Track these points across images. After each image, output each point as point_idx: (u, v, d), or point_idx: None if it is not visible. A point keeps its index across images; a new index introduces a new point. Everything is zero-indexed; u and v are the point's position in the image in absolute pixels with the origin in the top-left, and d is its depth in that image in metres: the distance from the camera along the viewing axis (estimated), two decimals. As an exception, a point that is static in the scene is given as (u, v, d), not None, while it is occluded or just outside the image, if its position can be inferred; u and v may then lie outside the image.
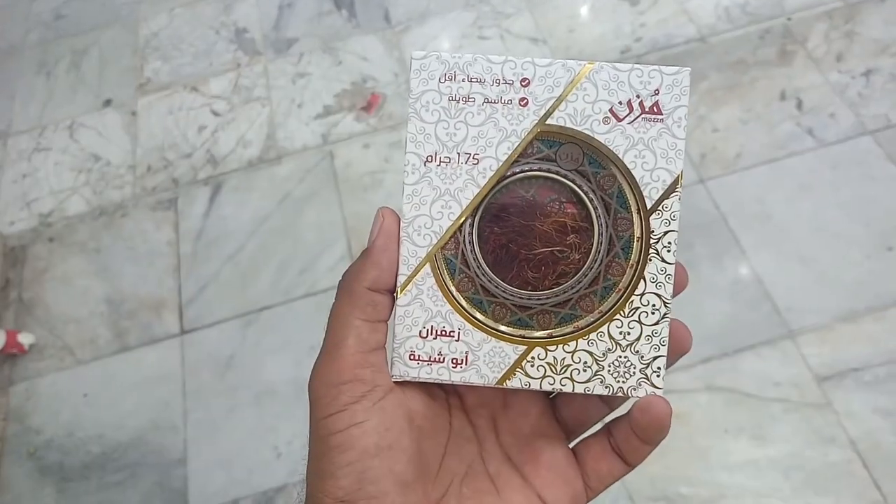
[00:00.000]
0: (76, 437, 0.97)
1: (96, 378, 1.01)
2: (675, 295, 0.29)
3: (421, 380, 0.29)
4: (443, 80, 0.29)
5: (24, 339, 1.04)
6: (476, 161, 0.29)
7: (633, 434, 0.29)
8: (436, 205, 0.29)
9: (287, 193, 1.14)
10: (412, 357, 0.29)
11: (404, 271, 0.29)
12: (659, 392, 0.28)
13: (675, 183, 0.28)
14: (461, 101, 0.29)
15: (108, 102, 1.34)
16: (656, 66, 0.29)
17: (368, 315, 0.28)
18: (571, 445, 0.31)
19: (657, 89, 0.29)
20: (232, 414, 0.96)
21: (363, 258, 0.29)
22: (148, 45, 1.41)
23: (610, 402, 0.31)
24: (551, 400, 0.32)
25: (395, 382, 0.29)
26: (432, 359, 0.29)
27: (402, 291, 0.29)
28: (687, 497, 0.84)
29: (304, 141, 1.21)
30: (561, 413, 0.32)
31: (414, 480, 0.27)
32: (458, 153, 0.29)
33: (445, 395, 0.31)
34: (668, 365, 0.29)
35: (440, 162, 0.29)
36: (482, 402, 0.32)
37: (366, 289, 0.28)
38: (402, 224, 0.29)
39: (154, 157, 1.24)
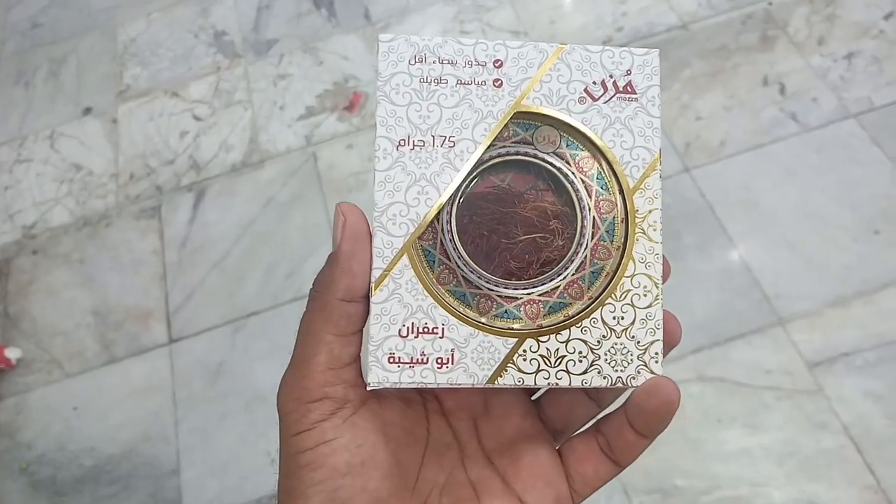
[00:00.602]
0: (68, 451, 0.97)
1: (86, 391, 1.01)
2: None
3: (403, 385, 0.26)
4: (412, 62, 0.28)
5: (11, 353, 1.03)
6: (452, 143, 0.27)
7: (628, 427, 0.27)
8: (411, 191, 0.27)
9: (271, 197, 1.13)
10: (392, 360, 0.26)
11: (379, 265, 0.27)
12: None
13: (655, 161, 0.28)
14: (433, 82, 0.28)
15: (88, 111, 1.32)
16: (626, 48, 0.29)
17: (342, 328, 0.26)
18: (558, 447, 0.30)
19: (629, 69, 0.28)
20: (223, 422, 0.95)
21: (332, 266, 0.27)
22: (126, 52, 1.39)
23: (599, 399, 0.30)
24: (535, 401, 0.31)
25: (370, 391, 0.27)
26: (414, 360, 0.26)
27: (376, 288, 0.27)
28: (682, 489, 0.84)
29: (287, 143, 1.20)
30: (546, 413, 0.31)
31: (389, 497, 0.26)
32: (433, 136, 0.27)
33: (423, 400, 0.30)
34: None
35: (414, 146, 0.27)
36: (462, 406, 0.30)
37: (339, 300, 0.26)
38: (374, 213, 0.27)
39: (136, 164, 1.23)
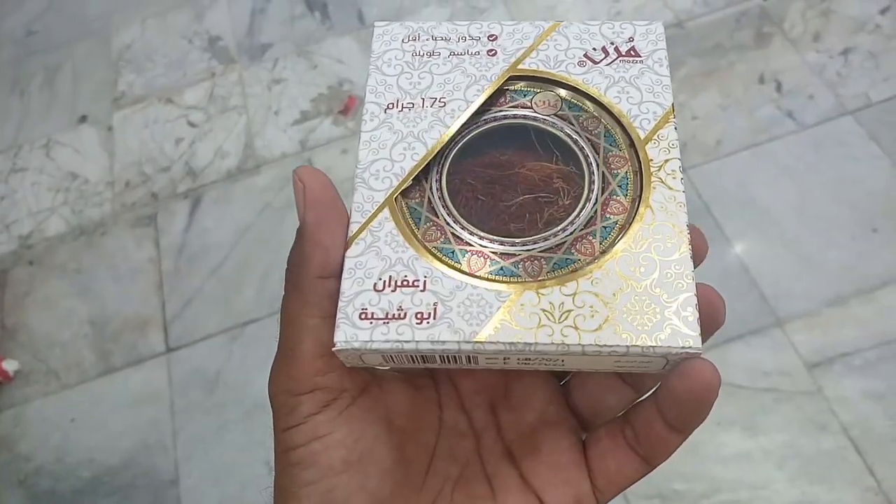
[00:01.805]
0: (66, 463, 0.97)
1: (83, 401, 1.01)
2: (696, 264, 0.23)
3: (374, 345, 0.22)
4: (406, 41, 0.28)
5: (9, 365, 1.03)
6: (443, 104, 0.26)
7: (658, 418, 0.23)
8: (397, 147, 0.25)
9: (267, 203, 1.13)
10: (363, 316, 0.22)
11: (357, 219, 0.24)
12: (695, 340, 0.21)
13: (668, 114, 0.25)
14: (425, 55, 0.27)
15: (83, 118, 1.32)
16: (627, 21, 0.28)
17: (324, 310, 0.23)
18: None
19: (631, 37, 0.27)
20: (222, 431, 0.95)
21: (300, 241, 0.24)
22: (121, 58, 1.39)
23: (636, 383, 0.26)
24: (564, 385, 0.28)
25: (372, 376, 0.24)
26: (390, 315, 0.22)
27: (352, 242, 0.24)
28: (682, 493, 0.83)
29: (282, 148, 1.19)
30: (574, 399, 0.27)
31: (392, 495, 0.24)
32: (423, 98, 0.26)
33: (435, 384, 0.27)
34: (702, 341, 0.22)
35: (402, 108, 0.26)
36: (479, 389, 0.27)
37: (314, 278, 0.23)
38: (357, 171, 0.25)
39: (132, 172, 1.23)
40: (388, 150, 0.25)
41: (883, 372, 0.87)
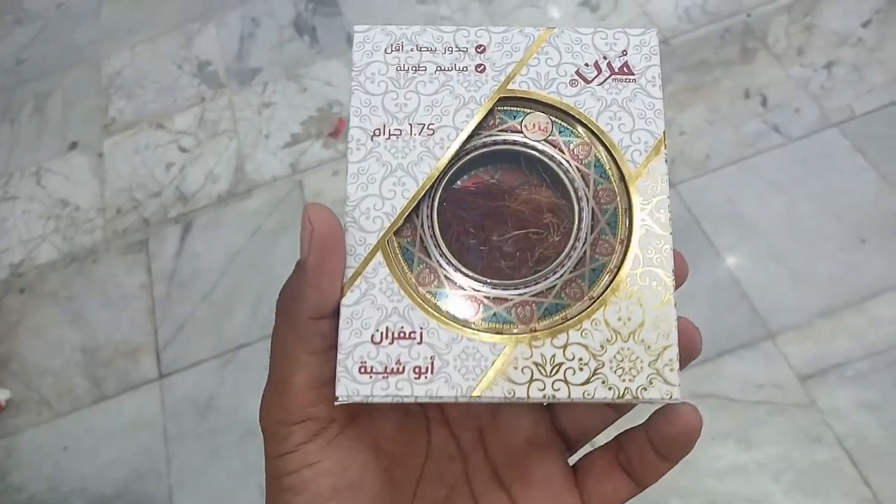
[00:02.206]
0: (59, 492, 0.96)
1: (76, 430, 1.00)
2: (676, 286, 0.24)
3: (375, 399, 0.23)
4: (389, 50, 0.26)
5: (1, 395, 1.02)
6: (432, 131, 0.25)
7: (650, 448, 0.25)
8: (386, 182, 0.25)
9: (258, 227, 1.13)
10: (363, 370, 0.23)
11: (351, 263, 0.24)
12: (676, 391, 0.23)
13: (660, 144, 0.25)
14: (410, 70, 0.26)
15: (73, 145, 1.32)
16: (621, 29, 0.27)
17: (315, 347, 0.24)
18: (573, 461, 0.28)
19: (624, 50, 0.26)
20: (215, 457, 0.95)
21: (299, 278, 0.24)
22: (111, 85, 1.39)
23: (618, 406, 0.27)
24: (549, 406, 0.28)
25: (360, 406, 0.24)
26: (388, 370, 0.23)
27: (347, 289, 0.24)
28: (677, 508, 0.83)
29: (273, 172, 1.20)
30: (560, 421, 0.28)
31: None
32: (411, 124, 0.25)
33: (423, 407, 0.28)
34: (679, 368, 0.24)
35: (389, 135, 0.25)
36: (467, 413, 0.28)
37: (308, 318, 0.24)
38: (346, 208, 0.24)
39: (123, 198, 1.23)
40: (377, 186, 0.25)
41: (876, 382, 0.87)
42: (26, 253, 1.19)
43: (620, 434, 0.27)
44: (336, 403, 0.23)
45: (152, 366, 1.03)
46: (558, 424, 0.28)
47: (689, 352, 0.25)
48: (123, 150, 1.29)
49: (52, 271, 1.16)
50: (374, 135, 0.25)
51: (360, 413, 0.25)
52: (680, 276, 0.25)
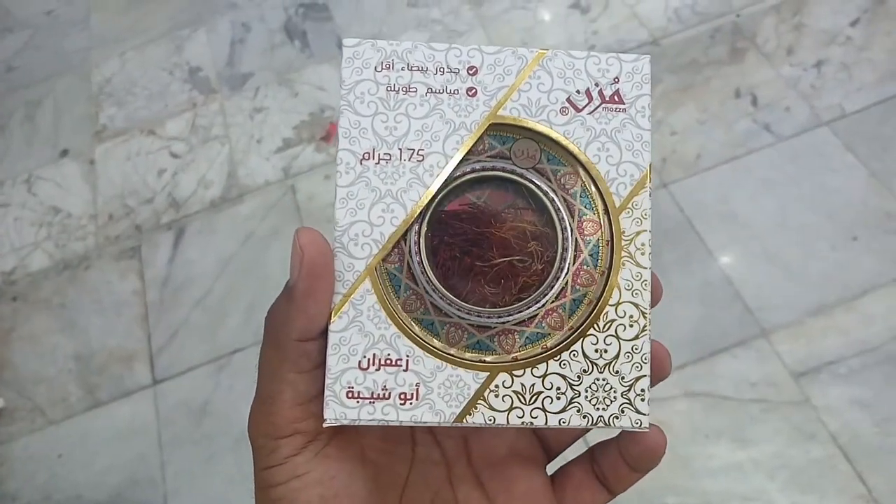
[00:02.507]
0: (53, 500, 0.95)
1: (70, 437, 0.99)
2: (652, 306, 0.26)
3: (361, 423, 0.24)
4: (379, 68, 0.26)
5: (-6, 403, 1.02)
6: (421, 157, 0.25)
7: (622, 462, 0.27)
8: (375, 209, 0.25)
9: (251, 232, 1.13)
10: (350, 395, 0.24)
11: (339, 289, 0.25)
12: (645, 420, 0.25)
13: (645, 178, 0.25)
14: (401, 90, 0.26)
15: (65, 153, 1.32)
16: (614, 54, 0.26)
17: (301, 367, 0.25)
18: (552, 471, 0.29)
19: (616, 77, 0.26)
20: (210, 462, 0.94)
21: (288, 302, 0.25)
22: (101, 92, 1.39)
23: None
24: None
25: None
26: (375, 395, 0.24)
27: (335, 314, 0.24)
28: (673, 507, 0.83)
29: (265, 177, 1.20)
30: (542, 431, 0.30)
31: None
32: (400, 149, 0.25)
33: None
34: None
35: (379, 159, 0.25)
36: None
37: (294, 340, 0.24)
38: (335, 234, 0.25)
39: (115, 204, 1.23)
40: (366, 212, 0.25)
41: (868, 379, 0.87)
42: (18, 260, 1.18)
43: (594, 446, 0.28)
44: (324, 426, 0.24)
45: (146, 372, 1.03)
46: (539, 434, 0.29)
47: (658, 373, 0.26)
48: (115, 156, 1.29)
49: (45, 279, 1.15)
50: (364, 159, 0.25)
51: (346, 426, 0.26)
52: (655, 297, 0.26)
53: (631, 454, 0.26)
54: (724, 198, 1.04)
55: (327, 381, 0.24)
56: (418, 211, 0.25)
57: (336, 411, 0.24)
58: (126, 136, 1.31)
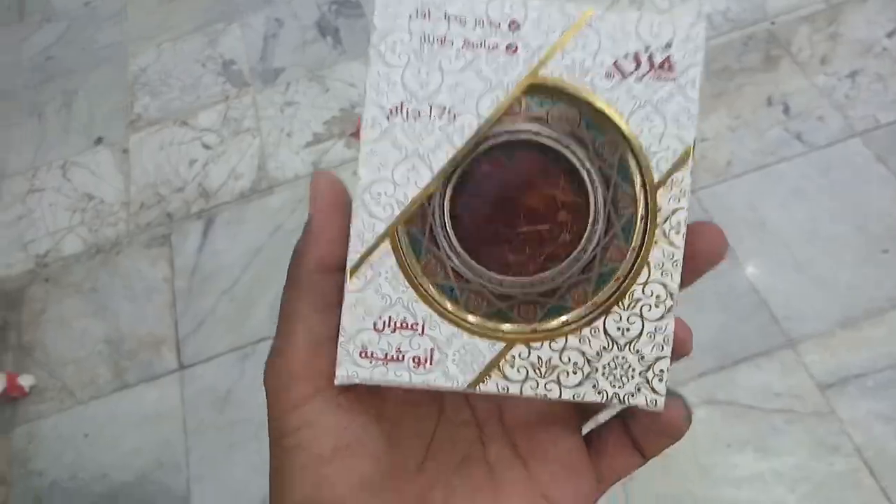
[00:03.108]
0: (79, 479, 0.97)
1: (97, 418, 1.01)
2: (678, 357, 0.25)
3: (374, 382, 0.24)
4: (414, 17, 0.24)
5: (25, 381, 1.04)
6: (453, 117, 0.24)
7: (652, 427, 0.26)
8: (400, 168, 0.24)
9: (280, 224, 1.14)
10: (363, 354, 0.24)
11: (358, 248, 0.24)
12: (661, 401, 0.24)
13: (688, 153, 0.24)
14: (436, 42, 0.24)
15: (99, 141, 1.34)
16: (668, 16, 0.24)
17: (316, 303, 0.24)
18: (585, 431, 0.28)
19: (669, 42, 0.24)
20: (233, 449, 0.96)
21: (305, 235, 0.24)
22: (137, 82, 1.41)
23: None
24: None
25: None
26: (389, 357, 0.24)
27: (353, 274, 0.24)
28: (692, 514, 0.83)
29: (295, 170, 1.21)
30: None
31: (383, 479, 0.24)
32: (431, 106, 0.24)
33: None
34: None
35: (408, 115, 0.24)
36: None
37: (310, 272, 0.24)
38: (357, 191, 0.24)
39: (147, 193, 1.25)
40: (389, 170, 0.24)
41: None
42: (52, 244, 1.21)
43: (624, 409, 0.27)
44: (336, 384, 0.24)
45: (173, 358, 1.04)
46: None
47: (680, 351, 0.25)
48: (148, 145, 1.31)
49: (77, 263, 1.17)
50: (391, 114, 0.24)
51: (359, 384, 0.25)
52: (680, 347, 0.25)
53: (652, 428, 0.26)
54: (753, 205, 1.03)
55: (341, 340, 0.24)
56: (445, 173, 0.24)
57: (348, 370, 0.24)
58: (159, 126, 1.33)
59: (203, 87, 1.37)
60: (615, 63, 0.24)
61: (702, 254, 0.24)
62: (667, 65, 0.24)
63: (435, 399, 0.27)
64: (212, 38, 1.44)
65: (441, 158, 0.23)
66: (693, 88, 0.24)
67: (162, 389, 1.02)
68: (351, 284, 0.23)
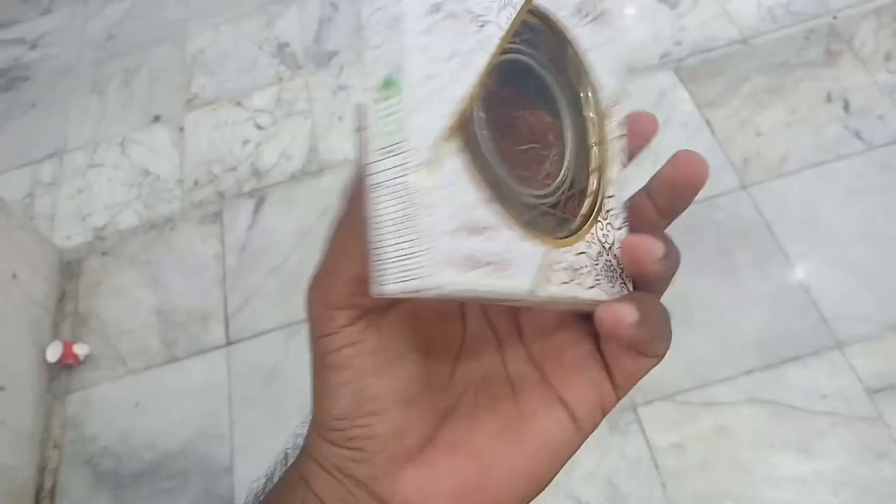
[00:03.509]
0: (129, 445, 1.01)
1: (147, 387, 1.05)
2: (645, 143, 0.28)
3: (454, 290, 0.21)
4: None
5: (80, 349, 1.08)
6: (482, 25, 0.23)
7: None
8: (448, 66, 0.22)
9: (329, 205, 1.16)
10: (445, 261, 0.21)
11: (420, 151, 0.21)
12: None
13: (624, 90, 0.27)
14: None
15: (157, 118, 1.38)
16: None
17: (367, 241, 0.24)
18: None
19: None
20: (276, 424, 0.98)
21: (361, 177, 0.24)
22: (195, 62, 1.45)
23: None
24: None
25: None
26: (469, 262, 0.21)
27: (424, 173, 0.21)
28: (731, 511, 0.82)
29: (345, 153, 1.23)
30: None
31: (418, 394, 0.26)
32: (465, 9, 0.23)
33: None
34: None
35: (447, 15, 0.22)
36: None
37: (365, 215, 0.24)
38: (404, 88, 0.21)
39: (201, 171, 1.28)
40: (439, 66, 0.22)
41: (948, 401, 0.84)
42: (109, 218, 1.25)
43: None
44: (420, 294, 0.22)
45: (221, 332, 1.07)
46: None
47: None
48: (203, 125, 1.34)
49: (133, 236, 1.21)
50: (433, 10, 0.22)
51: (400, 300, 0.25)
52: (648, 133, 0.28)
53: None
54: (807, 203, 1.01)
55: (416, 247, 0.22)
56: (480, 80, 0.23)
57: (432, 280, 0.21)
58: (215, 106, 1.36)
59: (258, 69, 1.39)
60: (577, 4, 0.26)
61: (683, 180, 0.26)
62: (607, 13, 0.27)
63: (459, 317, 0.28)
64: (269, 20, 1.46)
65: (479, 62, 0.23)
66: (623, 36, 0.27)
67: (210, 362, 1.05)
68: (422, 182, 0.21)
